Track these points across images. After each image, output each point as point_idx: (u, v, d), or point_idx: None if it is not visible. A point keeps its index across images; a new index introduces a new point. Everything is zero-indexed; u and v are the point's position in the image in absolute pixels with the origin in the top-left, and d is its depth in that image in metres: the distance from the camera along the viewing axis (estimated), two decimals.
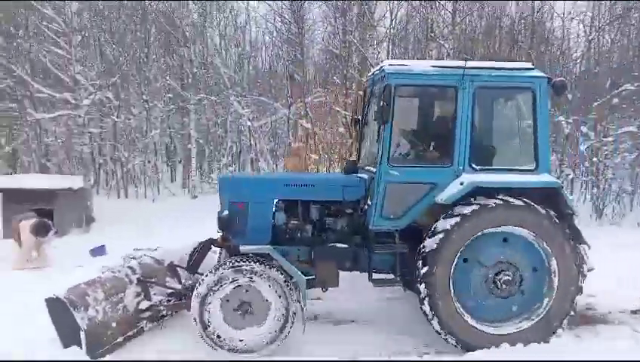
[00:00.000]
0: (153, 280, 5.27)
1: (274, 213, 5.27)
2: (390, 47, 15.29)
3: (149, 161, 14.78)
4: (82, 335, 4.34)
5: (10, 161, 13.87)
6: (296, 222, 5.28)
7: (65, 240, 9.16)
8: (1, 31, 12.82)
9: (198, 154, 15.25)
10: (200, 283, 4.61)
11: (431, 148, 5.37)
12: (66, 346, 4.41)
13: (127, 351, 4.73)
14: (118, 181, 14.35)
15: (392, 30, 15.07)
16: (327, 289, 5.28)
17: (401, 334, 5.11)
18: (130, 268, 5.17)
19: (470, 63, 4.89)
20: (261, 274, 4.63)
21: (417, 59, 14.04)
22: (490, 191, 4.62)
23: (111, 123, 14.02)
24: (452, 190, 4.68)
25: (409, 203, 4.86)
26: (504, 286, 4.73)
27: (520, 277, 4.78)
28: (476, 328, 4.68)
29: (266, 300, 4.64)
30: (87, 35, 13.59)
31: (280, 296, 4.64)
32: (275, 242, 5.12)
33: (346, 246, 5.16)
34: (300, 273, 4.72)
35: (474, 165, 4.79)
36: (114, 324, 4.70)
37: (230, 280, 4.61)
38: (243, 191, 5.25)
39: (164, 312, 5.20)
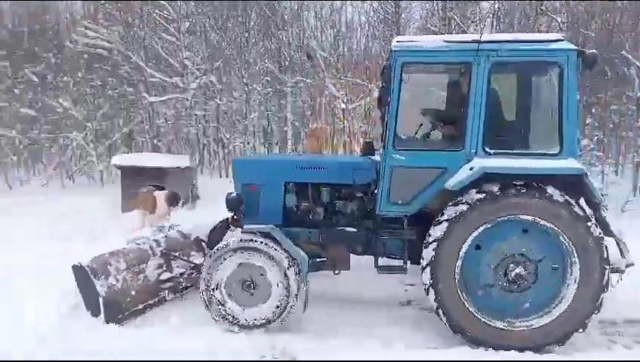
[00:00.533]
0: (177, 253, 5.45)
1: (285, 195, 5.26)
2: (494, 22, 14.41)
3: (248, 143, 15.42)
4: (100, 301, 4.62)
5: (127, 141, 15.20)
6: (307, 204, 5.25)
7: (175, 214, 9.89)
8: (121, 21, 13.96)
9: (293, 136, 15.60)
10: (205, 300, 4.76)
11: (442, 130, 5.12)
12: (90, 312, 4.72)
13: (144, 319, 5.02)
14: (220, 161, 15.17)
15: (495, 5, 14.18)
16: (339, 272, 5.31)
17: None
18: (156, 240, 5.43)
19: (487, 37, 4.55)
20: (230, 255, 4.69)
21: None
22: (502, 178, 4.29)
23: (214, 105, 14.79)
24: (461, 175, 4.37)
25: (418, 188, 4.61)
26: (516, 280, 4.43)
27: (535, 271, 4.45)
28: (489, 324, 4.41)
29: (259, 266, 4.70)
30: (193, 21, 14.35)
31: (259, 254, 4.66)
32: (286, 224, 5.15)
33: (355, 230, 5.08)
34: (300, 253, 4.74)
35: (487, 149, 4.45)
36: (133, 292, 4.97)
37: (220, 275, 4.73)
38: (254, 173, 5.35)
39: (184, 284, 5.42)
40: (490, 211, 4.28)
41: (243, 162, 5.87)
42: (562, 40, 4.47)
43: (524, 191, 4.24)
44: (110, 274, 4.83)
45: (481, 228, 4.33)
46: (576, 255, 4.26)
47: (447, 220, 4.35)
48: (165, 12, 13.31)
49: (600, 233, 4.27)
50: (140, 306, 5.06)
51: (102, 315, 4.68)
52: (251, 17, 16.24)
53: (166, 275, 5.34)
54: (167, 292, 5.38)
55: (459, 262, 4.39)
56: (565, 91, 4.32)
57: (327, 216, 5.30)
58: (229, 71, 15.51)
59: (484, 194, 4.28)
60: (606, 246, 4.27)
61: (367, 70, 16.48)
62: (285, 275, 4.65)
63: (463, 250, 4.38)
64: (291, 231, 5.04)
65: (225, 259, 4.72)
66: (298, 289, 4.66)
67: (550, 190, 4.22)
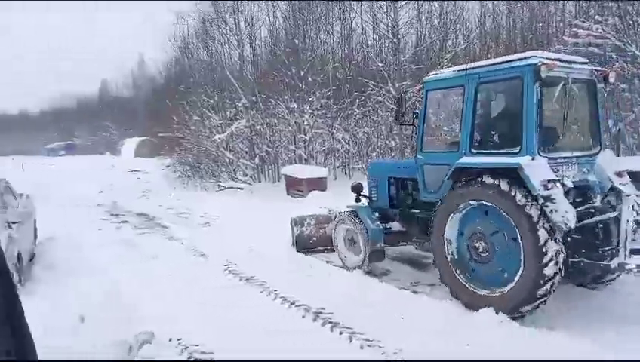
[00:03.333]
0: None
1: (389, 186, 7.31)
2: None
3: None
4: (294, 238, 8.04)
5: None
6: (399, 192, 7.22)
7: None
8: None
9: None
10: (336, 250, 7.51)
11: (450, 136, 7.02)
12: (292, 244, 8.11)
13: (322, 256, 7.77)
14: None
15: None
16: (420, 246, 6.77)
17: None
18: (341, 212, 7.61)
19: (474, 64, 5.70)
20: (340, 224, 7.35)
21: None
22: (472, 172, 5.28)
23: None
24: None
25: (439, 180, 5.80)
26: (478, 252, 5.33)
27: (492, 247, 5.20)
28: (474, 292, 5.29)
29: (352, 229, 7.11)
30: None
31: (350, 224, 7.10)
32: (391, 206, 7.24)
33: (416, 211, 6.64)
34: (371, 225, 6.81)
35: (473, 150, 5.50)
36: (315, 238, 8.09)
37: (337, 236, 7.46)
38: (375, 171, 7.67)
39: None
40: (457, 197, 5.37)
41: (372, 164, 8.47)
42: (534, 57, 5.01)
43: (472, 181, 5.20)
44: (304, 225, 8.05)
45: (458, 211, 5.40)
46: (520, 237, 4.78)
47: (438, 204, 5.67)
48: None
49: (535, 219, 4.65)
50: (320, 248, 8.01)
51: (295, 247, 7.96)
52: None
53: None
54: None
55: (447, 236, 5.53)
56: (525, 100, 4.97)
57: (407, 201, 7.02)
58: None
59: (453, 185, 5.48)
60: (545, 233, 4.62)
61: None
62: (362, 239, 6.82)
63: (448, 227, 5.52)
64: (393, 211, 7.10)
65: (336, 226, 7.34)
66: (369, 249, 6.68)
67: (490, 180, 5.00)
